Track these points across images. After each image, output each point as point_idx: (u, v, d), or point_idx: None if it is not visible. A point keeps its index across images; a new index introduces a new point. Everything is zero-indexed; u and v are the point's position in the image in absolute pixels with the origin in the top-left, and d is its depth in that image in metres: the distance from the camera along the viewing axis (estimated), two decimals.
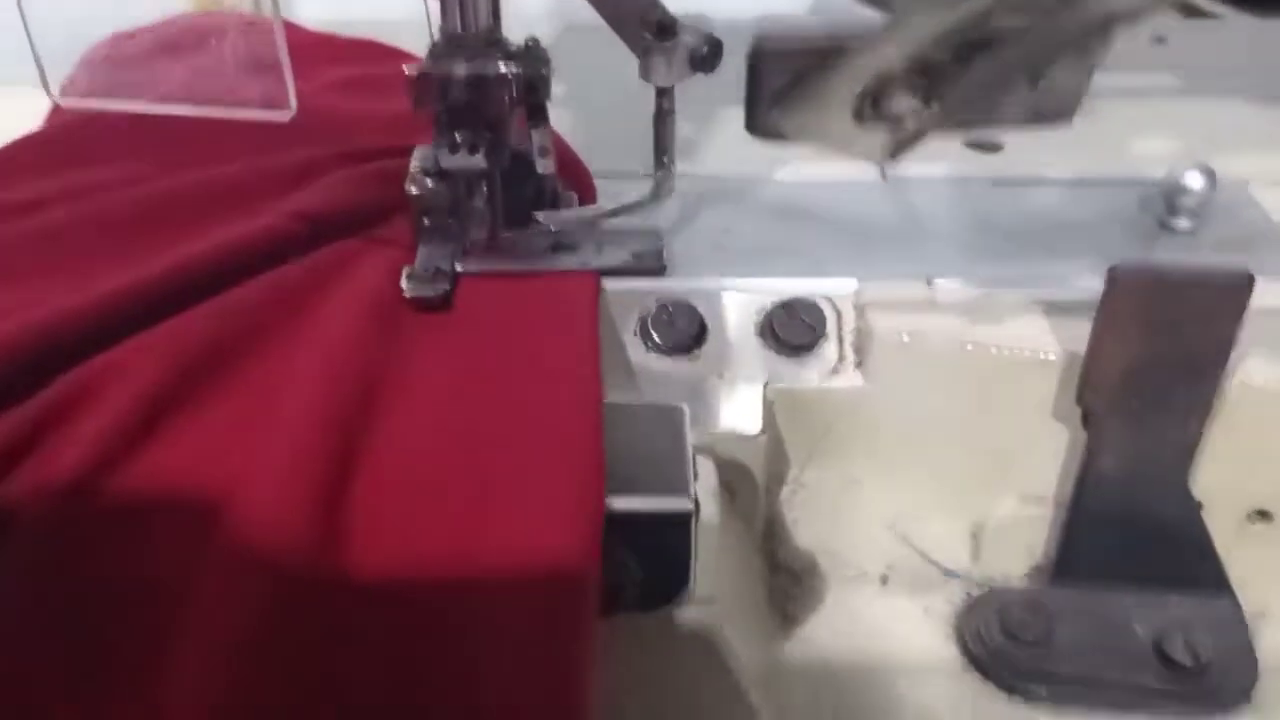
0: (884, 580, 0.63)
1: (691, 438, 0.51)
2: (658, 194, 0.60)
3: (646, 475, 0.49)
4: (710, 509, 0.49)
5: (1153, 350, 0.53)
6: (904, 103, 0.46)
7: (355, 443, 0.47)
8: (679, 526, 0.48)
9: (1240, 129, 0.76)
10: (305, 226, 0.60)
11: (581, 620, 0.43)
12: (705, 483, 0.49)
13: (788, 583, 0.63)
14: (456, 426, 0.49)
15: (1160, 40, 0.92)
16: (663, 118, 0.57)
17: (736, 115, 0.55)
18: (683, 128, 0.73)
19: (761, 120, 0.49)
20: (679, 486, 0.48)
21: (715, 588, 0.51)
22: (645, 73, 0.55)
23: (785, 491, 0.63)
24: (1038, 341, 0.57)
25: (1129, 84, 0.84)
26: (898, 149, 0.47)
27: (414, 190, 0.61)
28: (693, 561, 0.49)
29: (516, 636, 0.42)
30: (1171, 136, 0.77)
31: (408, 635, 0.43)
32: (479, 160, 0.57)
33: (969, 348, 0.57)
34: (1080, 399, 0.55)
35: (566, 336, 0.55)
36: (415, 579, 0.44)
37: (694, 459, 0.50)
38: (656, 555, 0.49)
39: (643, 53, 0.55)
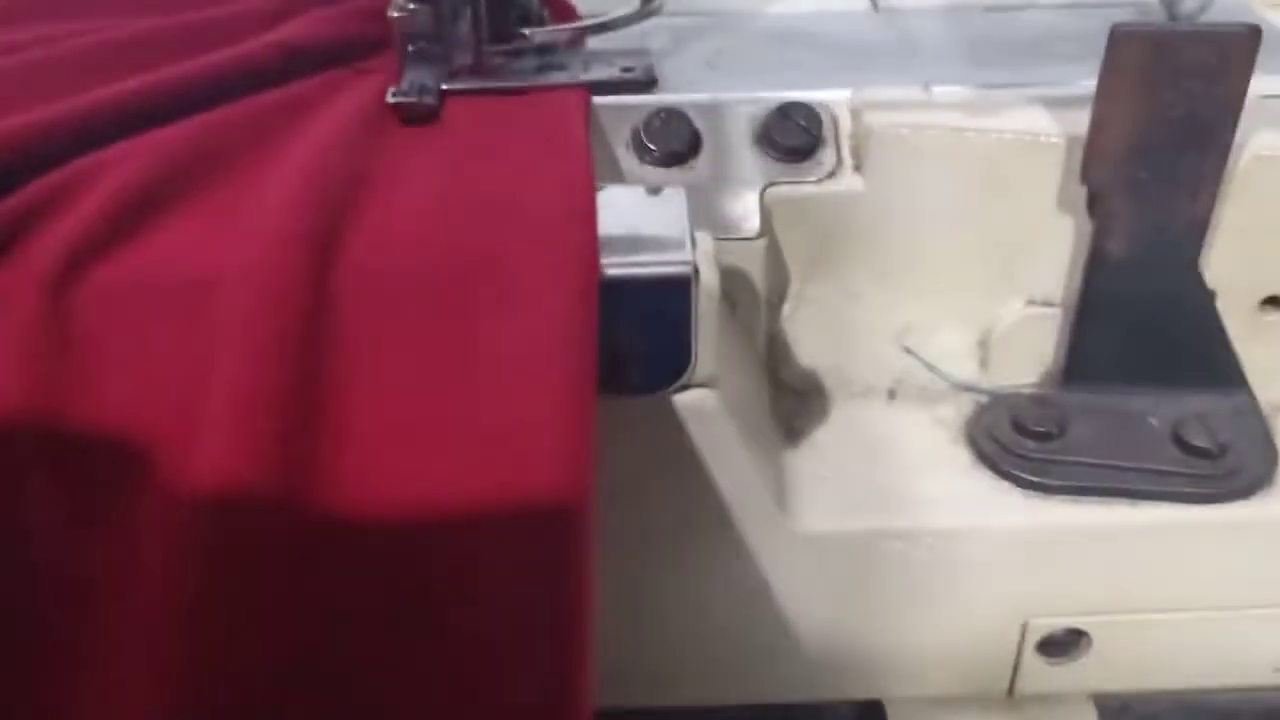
0: (891, 395, 0.62)
1: (687, 213, 0.49)
2: (646, 6, 0.59)
3: (645, 244, 0.48)
4: (710, 276, 0.47)
5: (1157, 114, 0.52)
6: None
7: (331, 253, 0.45)
8: (679, 289, 0.47)
9: None
10: (282, 55, 0.58)
11: (578, 538, 0.40)
12: (704, 251, 0.47)
13: (792, 402, 0.62)
14: (442, 234, 0.47)
15: None
16: None
17: None
18: None
19: None
20: (676, 252, 0.47)
21: (719, 370, 0.50)
22: None
23: (787, 308, 0.61)
24: (1039, 126, 0.56)
25: None
26: None
27: (395, 14, 0.59)
28: (694, 335, 0.48)
29: (506, 557, 0.40)
30: None
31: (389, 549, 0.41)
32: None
33: (968, 134, 0.56)
34: (1085, 175, 0.54)
35: (556, 144, 0.54)
36: (393, 486, 0.41)
37: (692, 232, 0.48)
38: (657, 323, 0.47)
39: None
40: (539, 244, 0.45)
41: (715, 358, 0.49)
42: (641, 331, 0.47)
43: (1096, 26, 0.64)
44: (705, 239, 0.48)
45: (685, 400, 0.50)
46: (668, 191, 0.51)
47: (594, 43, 0.65)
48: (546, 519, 0.39)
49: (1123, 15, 0.65)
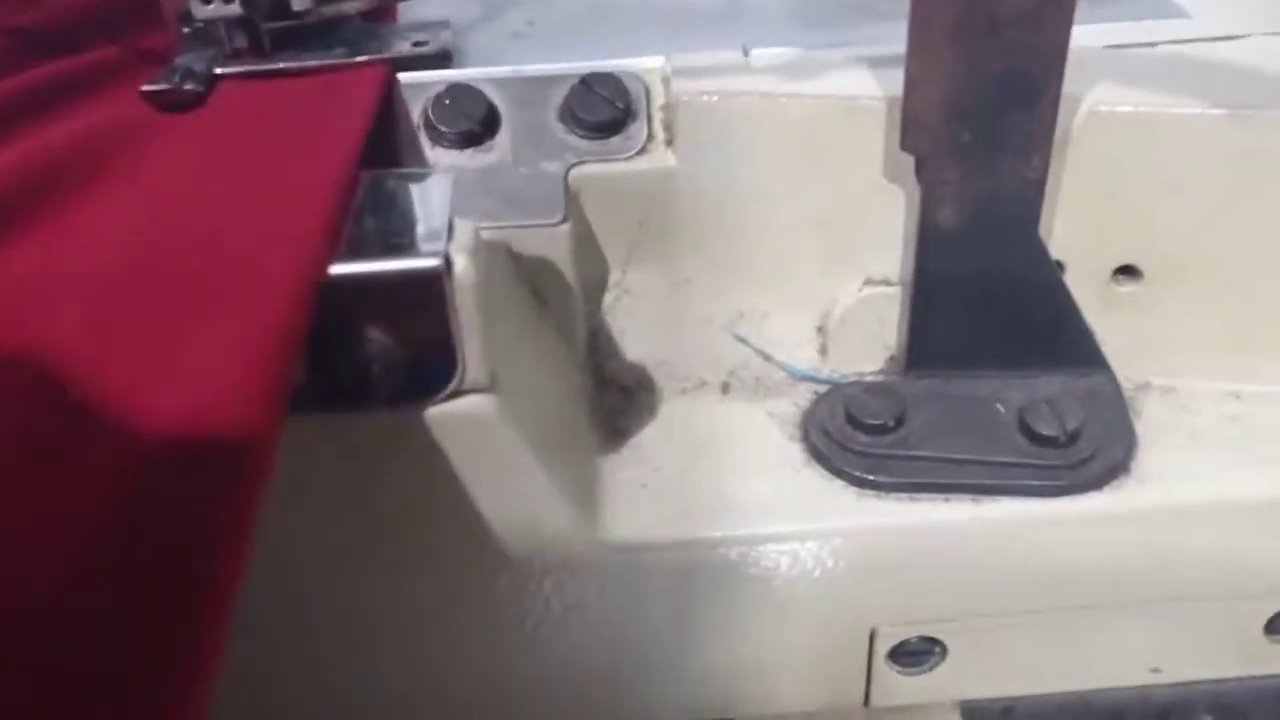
0: (725, 388, 0.57)
1: (449, 201, 0.44)
2: None
3: (394, 239, 0.42)
4: (467, 269, 0.42)
5: (975, 69, 0.47)
6: None
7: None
8: (429, 288, 0.41)
9: None
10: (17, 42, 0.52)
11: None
12: (462, 242, 0.42)
13: (618, 399, 0.56)
14: (149, 235, 0.41)
15: None
16: None
17: None
18: None
19: None
20: (429, 245, 0.41)
21: (502, 372, 0.45)
22: None
23: (608, 298, 0.56)
24: (858, 89, 0.51)
25: None
26: None
27: None
28: (456, 337, 0.43)
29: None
30: None
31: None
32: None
33: (782, 100, 0.50)
34: (905, 139, 0.49)
35: (322, 132, 0.48)
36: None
37: (451, 220, 0.43)
38: (410, 329, 0.42)
39: None
40: (258, 245, 0.40)
41: (486, 359, 0.44)
42: (394, 336, 0.42)
43: None
44: (465, 228, 0.43)
45: (457, 409, 0.44)
46: (433, 178, 0.45)
47: (404, 14, 0.59)
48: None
49: None
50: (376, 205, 0.44)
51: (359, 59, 0.55)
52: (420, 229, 0.43)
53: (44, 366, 0.36)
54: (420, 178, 0.46)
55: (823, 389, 0.57)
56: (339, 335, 0.42)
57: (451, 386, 0.44)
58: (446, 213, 0.44)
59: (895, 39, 0.50)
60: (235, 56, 0.55)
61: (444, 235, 0.43)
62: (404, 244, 0.42)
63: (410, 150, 0.53)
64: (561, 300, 0.55)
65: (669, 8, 0.60)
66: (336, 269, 0.41)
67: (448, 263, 0.42)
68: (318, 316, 0.39)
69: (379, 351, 0.43)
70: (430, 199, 0.45)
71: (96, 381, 0.35)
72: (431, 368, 0.44)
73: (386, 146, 0.53)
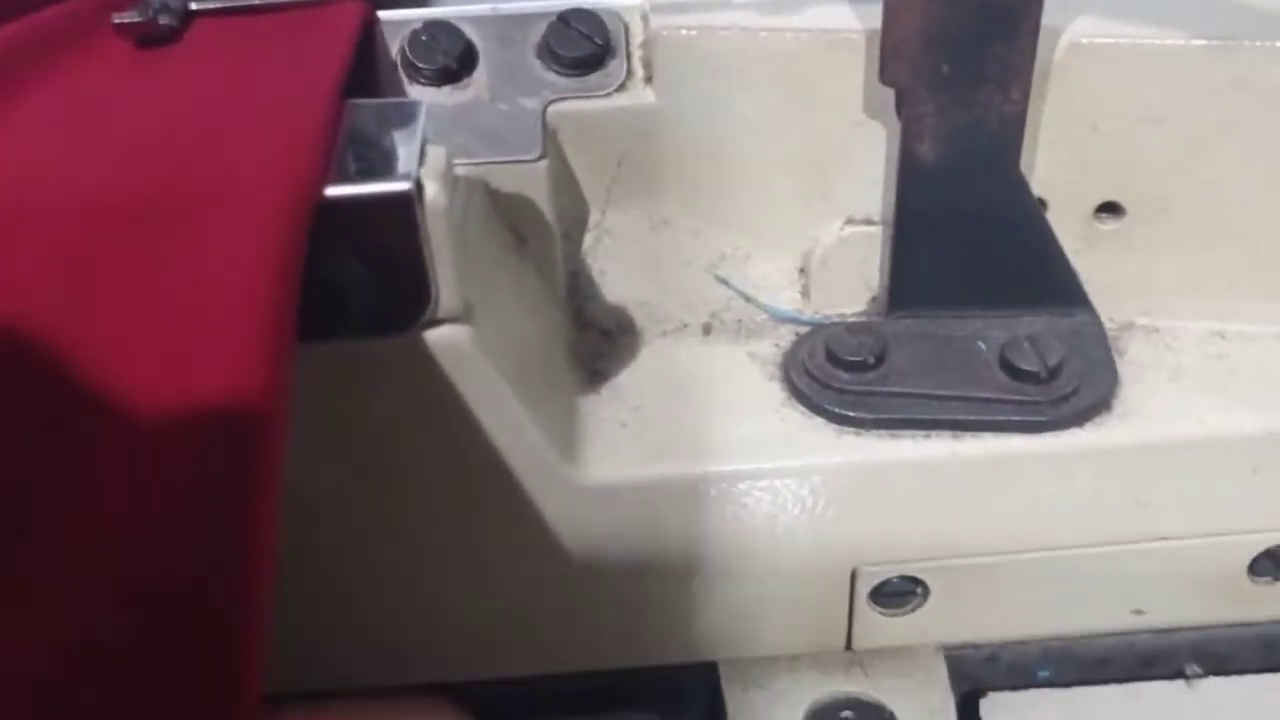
0: (706, 330, 0.57)
1: (421, 129, 0.43)
2: None
3: (364, 165, 0.42)
4: (438, 195, 0.41)
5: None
6: None
7: None
8: (399, 212, 0.41)
9: None
10: None
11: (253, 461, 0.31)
12: (433, 167, 0.42)
13: (599, 341, 0.56)
14: (128, 167, 0.41)
15: None
16: None
17: None
18: None
19: None
20: (399, 170, 0.41)
21: (479, 304, 0.44)
22: None
23: (588, 239, 0.56)
24: (839, 22, 0.50)
25: None
26: None
27: None
28: (429, 264, 0.42)
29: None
30: None
31: None
32: None
33: (761, 35, 0.50)
34: (883, 72, 0.48)
35: (301, 66, 0.48)
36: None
37: (423, 147, 0.42)
38: (381, 256, 0.42)
39: None
40: (246, 170, 0.39)
41: (461, 289, 0.43)
42: (364, 262, 0.42)
43: None
44: (437, 153, 0.42)
45: (432, 338, 0.44)
46: (405, 106, 0.45)
47: None
48: (222, 425, 0.32)
49: None
50: (349, 133, 0.44)
51: None
52: (392, 155, 0.43)
53: (27, 322, 0.34)
54: (391, 106, 0.45)
55: (804, 330, 0.56)
56: (310, 261, 0.42)
57: (425, 315, 0.44)
58: (419, 140, 0.43)
59: None
60: None
61: (416, 160, 0.42)
62: (375, 169, 0.42)
63: (391, 87, 0.53)
64: (540, 239, 0.54)
65: None
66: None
67: (419, 186, 0.41)
68: None
69: (351, 278, 0.42)
70: (403, 127, 0.44)
71: (85, 337, 0.34)
72: (404, 296, 0.43)
73: (367, 83, 0.52)
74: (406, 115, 0.45)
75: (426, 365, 0.45)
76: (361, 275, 0.42)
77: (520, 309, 0.52)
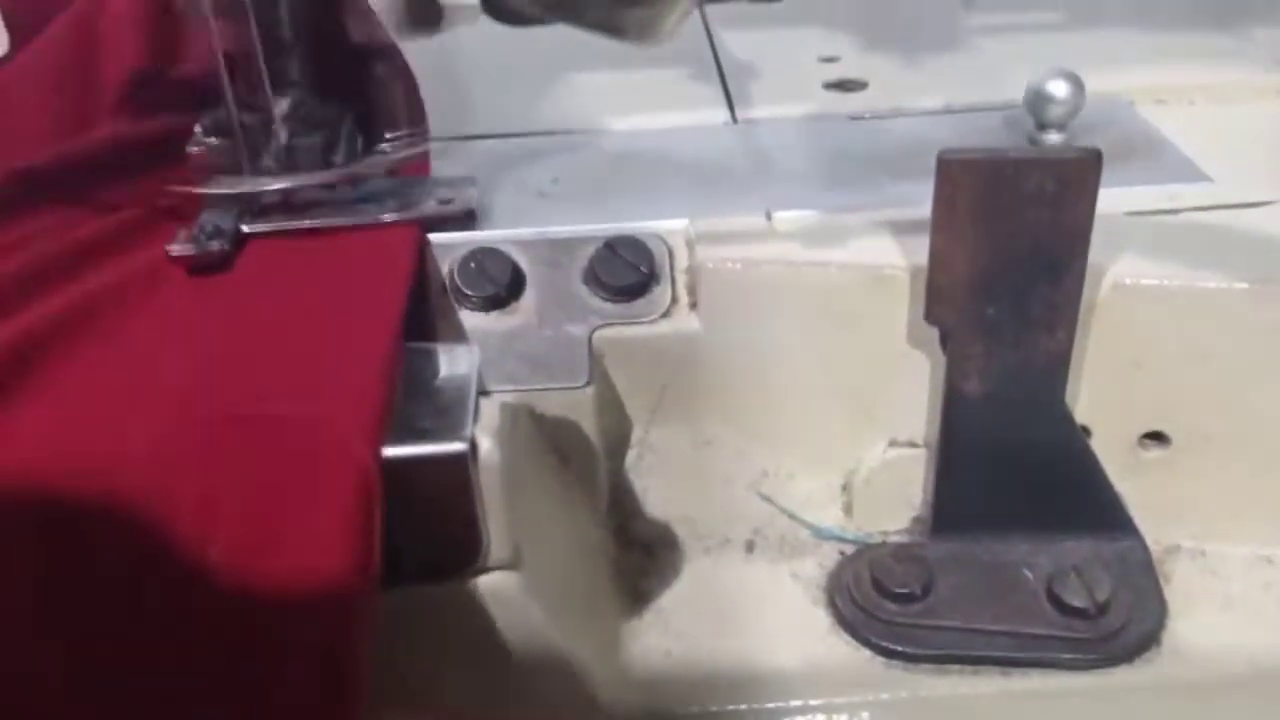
0: (749, 547, 0.57)
1: (477, 378, 0.44)
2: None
3: (421, 421, 0.42)
4: (492, 452, 0.42)
5: (999, 247, 0.47)
6: None
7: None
8: (454, 472, 0.41)
9: (1123, 55, 0.71)
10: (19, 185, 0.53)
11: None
12: (487, 424, 0.42)
13: (641, 558, 0.56)
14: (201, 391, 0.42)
15: None
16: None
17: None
18: (508, 82, 0.68)
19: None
20: (454, 429, 0.41)
21: (521, 551, 0.44)
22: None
23: (631, 456, 0.56)
24: (882, 257, 0.51)
25: (1011, 21, 0.79)
26: (660, 18, 0.41)
27: (192, 149, 0.54)
28: (481, 517, 0.42)
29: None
30: (1050, 64, 0.71)
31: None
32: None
33: (806, 268, 0.51)
34: (929, 315, 0.49)
35: (357, 297, 0.48)
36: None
37: (477, 401, 0.43)
38: (435, 510, 0.42)
39: None
40: (330, 421, 0.40)
41: (511, 538, 0.43)
42: (418, 517, 0.42)
43: (964, 134, 0.60)
44: (491, 408, 0.43)
45: (481, 586, 0.44)
46: (459, 352, 0.46)
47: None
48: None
49: (993, 122, 0.61)
50: (405, 383, 0.44)
51: (387, 218, 0.55)
52: (446, 410, 0.43)
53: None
54: (445, 352, 0.46)
55: (848, 549, 0.56)
56: None
57: (475, 565, 0.44)
58: (472, 392, 0.44)
59: (918, 199, 0.50)
60: (262, 214, 0.55)
61: (469, 416, 0.43)
62: (429, 426, 0.42)
63: (441, 311, 0.53)
64: (584, 458, 0.55)
65: (692, 161, 0.60)
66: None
67: (473, 447, 0.41)
68: None
69: (403, 531, 0.42)
70: (456, 376, 0.45)
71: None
72: (455, 547, 0.44)
73: (419, 308, 0.53)
74: (461, 362, 0.46)
75: (474, 611, 0.45)
76: (412, 527, 0.42)
77: (565, 534, 0.53)
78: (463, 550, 0.43)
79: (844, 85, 0.70)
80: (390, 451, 0.41)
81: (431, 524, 0.43)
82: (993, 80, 0.68)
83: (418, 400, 0.44)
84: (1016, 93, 0.60)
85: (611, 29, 0.40)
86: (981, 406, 0.51)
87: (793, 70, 0.70)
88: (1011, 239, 0.47)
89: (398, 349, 0.44)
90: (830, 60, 0.72)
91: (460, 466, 0.41)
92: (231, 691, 0.36)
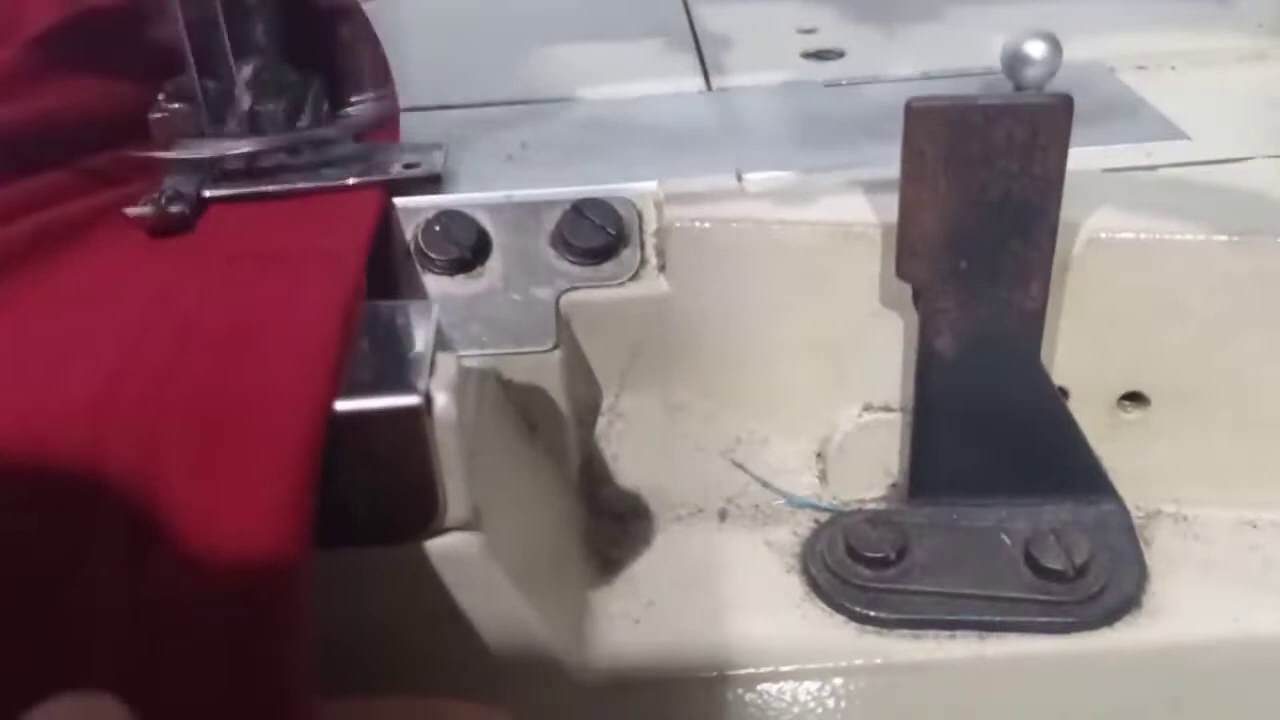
0: (722, 515, 0.56)
1: (433, 334, 0.43)
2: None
3: (375, 375, 0.41)
4: (448, 407, 0.41)
5: (970, 198, 0.46)
6: None
7: None
8: (408, 426, 0.40)
9: (1104, 22, 0.70)
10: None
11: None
12: (443, 378, 0.41)
13: (612, 527, 0.55)
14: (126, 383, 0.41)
15: None
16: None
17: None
18: (481, 52, 0.67)
19: None
20: (408, 382, 0.40)
21: (482, 514, 0.43)
22: None
23: (601, 424, 0.55)
24: (853, 215, 0.50)
25: None
26: None
27: (154, 116, 0.53)
28: (438, 475, 0.41)
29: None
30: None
31: None
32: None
33: (775, 227, 0.50)
34: (900, 270, 0.48)
35: (315, 258, 0.47)
36: None
37: (434, 356, 0.42)
38: (389, 467, 0.41)
39: None
40: (275, 372, 0.39)
41: (470, 497, 0.42)
42: (372, 474, 0.41)
43: None
44: (448, 362, 0.42)
45: (438, 547, 0.43)
46: (416, 308, 0.45)
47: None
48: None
49: (970, 88, 0.60)
50: (362, 338, 0.43)
51: (351, 181, 0.54)
52: (401, 364, 0.42)
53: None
54: (403, 310, 0.45)
55: (823, 517, 0.55)
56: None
57: (433, 526, 0.43)
58: (430, 347, 0.43)
59: (892, 160, 0.49)
60: (225, 179, 0.54)
61: (425, 371, 0.41)
62: (383, 380, 0.41)
63: (406, 275, 0.52)
64: (553, 426, 0.54)
65: (663, 127, 0.59)
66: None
67: (428, 400, 0.40)
68: None
69: (356, 489, 0.41)
70: (413, 332, 0.44)
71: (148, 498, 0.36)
72: (412, 506, 0.42)
73: (383, 272, 0.52)
74: (419, 319, 0.44)
75: (432, 573, 0.44)
76: (366, 485, 0.41)
77: (532, 500, 0.51)
78: (419, 509, 0.42)
79: (821, 55, 0.69)
80: (341, 405, 0.40)
81: (386, 482, 0.41)
82: (972, 49, 0.67)
83: (374, 356, 0.42)
84: (995, 61, 0.59)
85: None
86: (955, 366, 0.50)
87: (770, 41, 0.69)
88: (982, 190, 0.46)
89: (355, 306, 0.43)
90: (809, 31, 0.71)
91: (415, 420, 0.40)
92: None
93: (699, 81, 0.66)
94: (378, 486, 0.42)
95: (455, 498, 0.42)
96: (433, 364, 0.42)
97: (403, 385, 0.41)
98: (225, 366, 0.39)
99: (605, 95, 0.64)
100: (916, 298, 0.49)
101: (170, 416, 0.38)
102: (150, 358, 0.40)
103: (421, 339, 0.43)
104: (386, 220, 0.52)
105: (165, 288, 0.46)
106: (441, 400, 0.41)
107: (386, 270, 0.52)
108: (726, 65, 0.67)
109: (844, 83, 0.65)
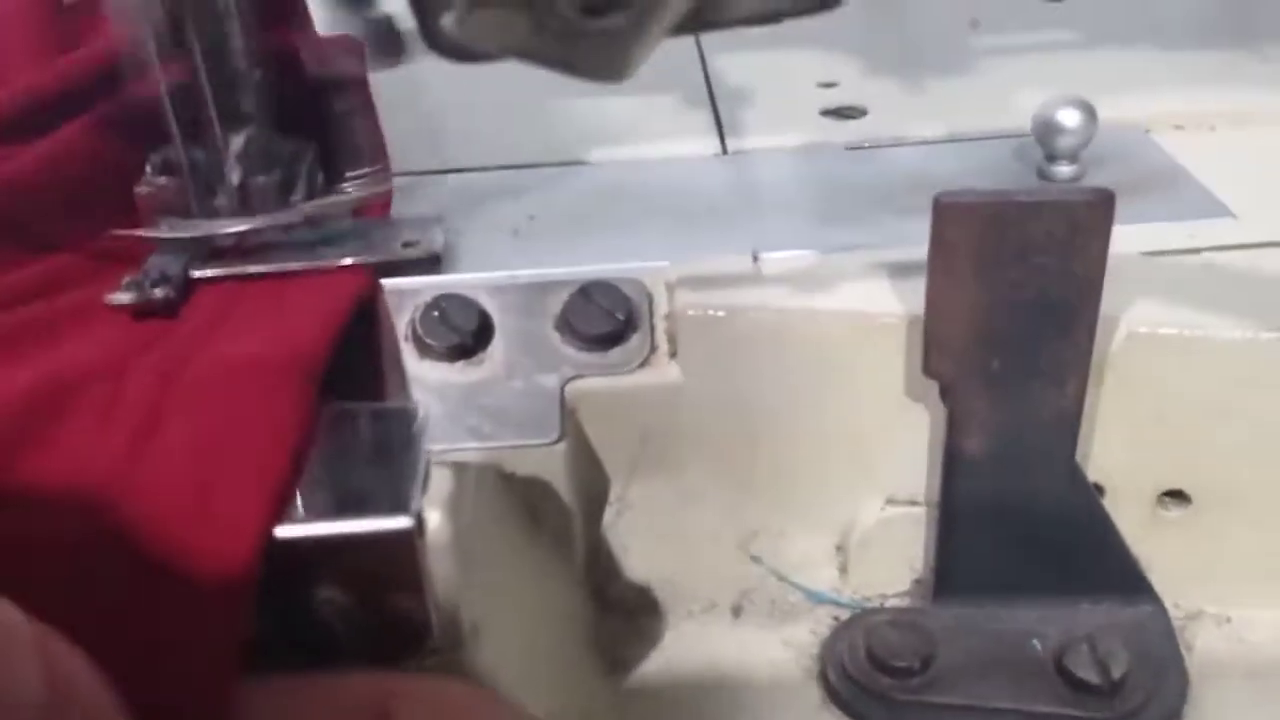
0: (737, 611, 0.53)
1: (426, 443, 0.40)
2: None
3: (359, 492, 0.38)
4: (442, 527, 0.38)
5: (1002, 296, 0.43)
6: None
7: None
8: (398, 550, 0.37)
9: (1137, 78, 0.67)
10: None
11: None
12: (437, 493, 0.38)
13: (620, 624, 0.52)
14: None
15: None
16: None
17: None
18: (483, 108, 0.64)
19: (438, 33, 0.38)
20: (398, 500, 0.38)
21: (480, 629, 0.40)
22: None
23: (609, 514, 0.52)
24: (876, 304, 0.47)
25: (1020, 42, 0.75)
26: (615, 52, 0.36)
27: (142, 190, 0.51)
28: (429, 597, 0.38)
29: None
30: (1063, 89, 0.67)
31: None
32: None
33: (794, 319, 0.47)
34: (927, 367, 0.45)
35: (286, 350, 0.45)
36: None
37: (427, 468, 0.39)
38: (378, 590, 0.38)
39: None
40: (212, 490, 0.36)
41: (465, 616, 0.40)
42: (359, 598, 0.38)
43: (972, 167, 0.56)
44: (442, 475, 0.39)
45: (433, 669, 0.40)
46: (405, 411, 0.42)
47: (398, 206, 0.56)
48: None
49: (1001, 153, 0.57)
50: (339, 446, 0.41)
51: (345, 262, 0.51)
52: (389, 479, 0.39)
53: None
54: (391, 415, 0.42)
55: (843, 613, 0.52)
56: (298, 595, 0.39)
57: (426, 647, 0.40)
58: (421, 457, 0.40)
59: (919, 238, 0.46)
60: (214, 258, 0.51)
61: (417, 487, 0.39)
62: (369, 498, 0.38)
63: (392, 363, 0.50)
64: (557, 518, 0.51)
65: (677, 197, 0.56)
66: (294, 529, 0.37)
67: (419, 522, 0.37)
68: (276, 573, 0.36)
69: (343, 613, 0.39)
70: (403, 439, 0.41)
71: None
72: (403, 631, 0.40)
73: (372, 360, 0.49)
74: (408, 424, 0.42)
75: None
76: (353, 610, 0.39)
77: (534, 602, 0.49)
78: (411, 633, 0.39)
79: (842, 113, 0.66)
80: (323, 529, 0.37)
81: (375, 605, 0.39)
82: (1000, 106, 0.64)
83: (358, 467, 0.40)
84: (1025, 119, 0.56)
85: (567, 66, 0.36)
86: (985, 464, 0.47)
87: (789, 96, 0.66)
88: (1016, 287, 0.43)
89: (306, 413, 0.40)
90: (829, 85, 0.68)
91: (405, 544, 0.37)
92: None
93: (714, 142, 0.63)
94: (366, 610, 0.39)
95: (449, 618, 0.39)
96: (425, 476, 0.39)
97: (392, 505, 0.38)
98: (166, 487, 0.37)
99: (617, 157, 0.61)
100: (943, 394, 0.46)
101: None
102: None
103: (411, 447, 0.41)
104: (374, 303, 0.49)
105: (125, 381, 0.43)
106: (435, 520, 0.38)
107: (375, 358, 0.49)
108: (744, 123, 0.64)
109: (866, 145, 0.61)
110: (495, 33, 0.33)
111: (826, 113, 0.66)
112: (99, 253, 0.52)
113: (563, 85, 0.64)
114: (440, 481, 0.39)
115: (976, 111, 0.64)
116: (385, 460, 0.40)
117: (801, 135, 0.63)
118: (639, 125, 0.64)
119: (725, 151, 0.62)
